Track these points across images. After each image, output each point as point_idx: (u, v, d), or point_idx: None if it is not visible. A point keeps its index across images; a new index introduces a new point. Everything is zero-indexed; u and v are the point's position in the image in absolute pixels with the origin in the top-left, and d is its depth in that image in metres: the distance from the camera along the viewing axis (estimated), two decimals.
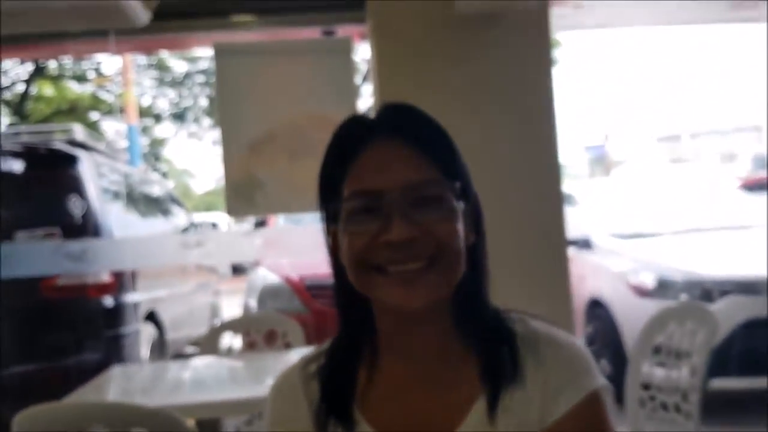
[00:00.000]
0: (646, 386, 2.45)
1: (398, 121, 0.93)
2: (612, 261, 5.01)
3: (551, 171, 3.12)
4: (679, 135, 17.70)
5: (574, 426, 0.90)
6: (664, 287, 4.43)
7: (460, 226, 0.91)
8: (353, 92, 3.49)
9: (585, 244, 5.31)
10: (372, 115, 0.96)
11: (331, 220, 0.95)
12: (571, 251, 5.04)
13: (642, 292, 4.53)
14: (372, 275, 0.90)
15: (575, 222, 4.06)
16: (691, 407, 2.27)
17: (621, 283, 4.73)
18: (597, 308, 4.94)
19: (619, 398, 2.53)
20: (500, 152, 3.03)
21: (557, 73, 3.21)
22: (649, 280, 4.55)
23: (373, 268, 0.89)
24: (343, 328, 0.99)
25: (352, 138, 0.93)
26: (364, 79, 10.64)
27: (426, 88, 2.95)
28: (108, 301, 4.83)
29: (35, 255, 3.52)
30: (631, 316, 4.38)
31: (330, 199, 0.93)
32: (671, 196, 5.60)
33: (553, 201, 3.14)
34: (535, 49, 3.08)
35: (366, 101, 10.62)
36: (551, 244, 3.11)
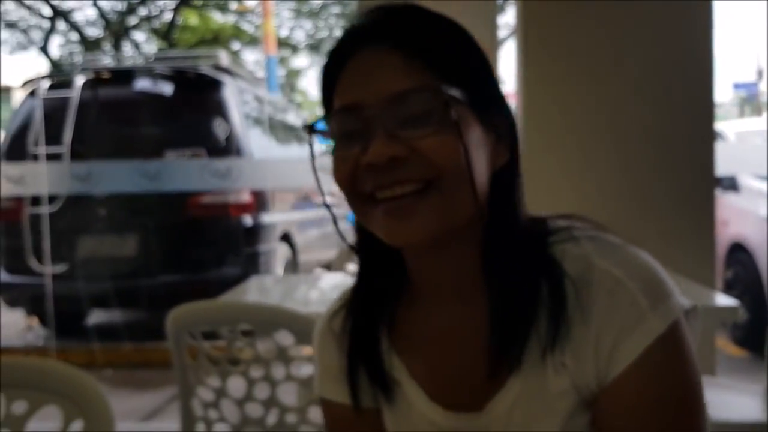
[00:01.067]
0: None
1: (387, 23, 0.77)
2: (759, 204, 4.72)
3: (704, 108, 2.96)
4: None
5: (640, 376, 0.73)
6: None
7: (467, 143, 0.73)
8: (494, 26, 3.41)
9: (731, 185, 5.02)
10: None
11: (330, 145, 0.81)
12: (717, 193, 4.81)
13: None
14: (364, 206, 0.76)
15: (723, 161, 3.84)
16: None
17: (767, 227, 4.47)
18: (739, 253, 4.70)
19: (759, 347, 2.42)
20: (653, 87, 2.90)
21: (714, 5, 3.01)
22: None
23: (362, 198, 0.75)
24: (367, 264, 0.85)
25: (342, 47, 0.78)
26: (501, 7, 10.36)
27: (575, 21, 2.84)
28: (247, 220, 5.08)
29: (184, 172, 3.73)
30: None
31: (325, 120, 0.79)
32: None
33: (704, 139, 2.99)
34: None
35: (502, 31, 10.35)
36: (699, 182, 2.98)
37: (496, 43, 3.38)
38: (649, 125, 2.88)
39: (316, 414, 1.68)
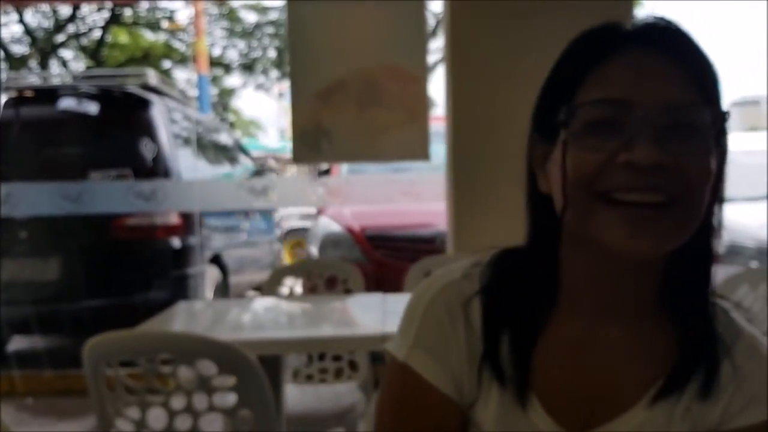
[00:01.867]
0: None
1: (659, 32, 0.75)
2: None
3: None
4: (757, 100, 17.00)
5: None
6: (734, 253, 4.31)
7: (713, 171, 0.73)
8: (425, 42, 3.45)
9: None
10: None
11: (546, 136, 0.78)
12: None
13: None
14: (596, 204, 0.72)
15: None
16: None
17: None
18: None
19: None
20: None
21: None
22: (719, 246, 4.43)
23: (599, 195, 0.72)
24: (526, 261, 0.83)
25: (600, 41, 0.76)
26: (433, 32, 10.50)
27: (500, 40, 2.89)
28: (175, 242, 4.97)
29: (107, 193, 3.63)
30: None
31: (553, 107, 0.76)
32: (745, 163, 5.40)
33: None
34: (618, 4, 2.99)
35: (433, 56, 10.51)
36: None
37: (426, 69, 3.42)
38: None
39: None
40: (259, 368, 1.57)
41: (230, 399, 1.62)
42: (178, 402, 1.62)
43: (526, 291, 0.82)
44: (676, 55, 0.74)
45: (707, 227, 0.78)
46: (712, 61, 0.76)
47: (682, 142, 0.71)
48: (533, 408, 0.80)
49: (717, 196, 0.77)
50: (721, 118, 0.74)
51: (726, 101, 0.78)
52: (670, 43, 0.74)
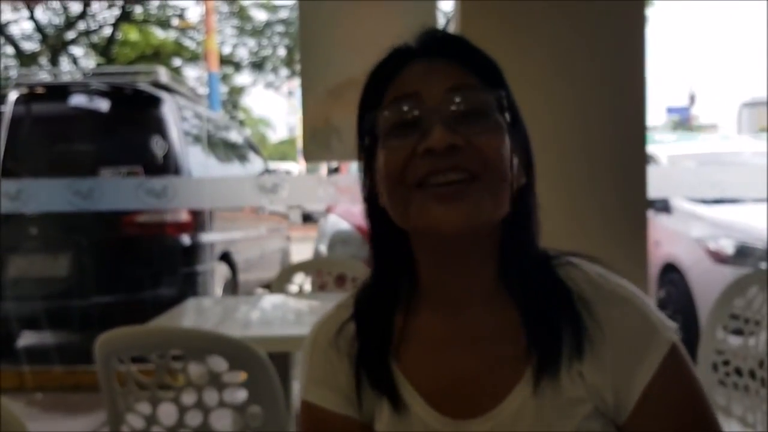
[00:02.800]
0: (720, 352, 2.39)
1: (438, 42, 0.85)
2: (690, 226, 4.87)
3: (636, 131, 3.04)
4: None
5: (662, 392, 0.81)
6: (743, 254, 4.30)
7: (507, 146, 0.80)
8: None
9: (664, 207, 5.17)
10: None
11: (366, 149, 0.85)
12: (649, 215, 4.95)
13: (720, 258, 4.41)
14: (410, 193, 0.79)
15: (655, 183, 3.96)
16: (766, 379, 2.20)
17: (698, 248, 4.61)
18: (671, 273, 4.83)
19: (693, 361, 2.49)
20: (586, 109, 2.96)
21: (648, 31, 3.10)
22: (728, 247, 4.41)
23: (412, 185, 0.79)
24: (378, 271, 0.89)
25: (392, 61, 0.85)
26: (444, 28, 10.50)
27: (510, 40, 2.89)
28: (185, 239, 4.99)
29: (118, 190, 3.65)
30: (707, 283, 4.27)
31: (367, 123, 0.84)
32: (754, 164, 5.39)
33: (636, 162, 3.06)
34: (628, 6, 2.98)
35: None
36: (631, 204, 3.05)
37: None
38: (582, 148, 2.93)
39: None
40: (270, 364, 1.58)
41: (240, 395, 1.63)
42: (188, 398, 1.63)
43: (385, 300, 0.88)
44: (455, 55, 0.83)
45: (525, 203, 0.84)
46: (488, 57, 0.86)
47: (472, 124, 0.79)
48: (417, 405, 0.84)
49: (529, 187, 0.85)
50: (503, 98, 0.82)
51: (512, 97, 0.86)
52: (448, 48, 0.84)
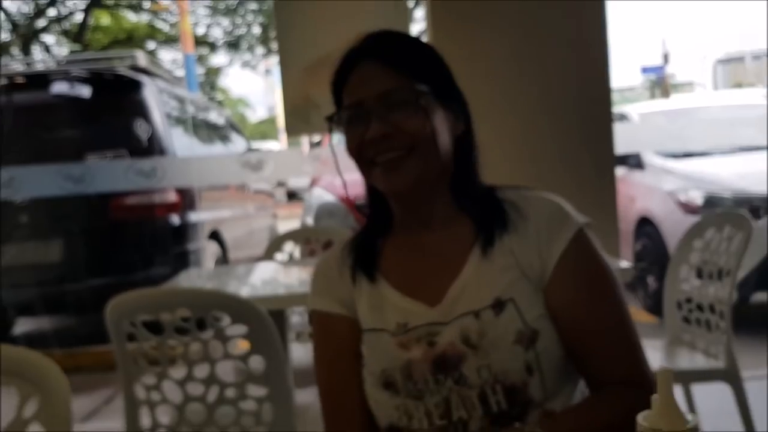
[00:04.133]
0: (688, 300, 2.55)
1: (374, 45, 1.14)
2: (662, 180, 5.06)
3: (601, 91, 3.19)
4: (742, 56, 17.06)
5: (572, 263, 1.10)
6: (712, 204, 4.49)
7: (433, 121, 1.10)
8: (407, 15, 3.57)
9: (637, 164, 5.35)
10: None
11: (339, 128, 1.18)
12: (623, 171, 5.15)
13: (690, 209, 4.60)
14: (368, 167, 1.13)
15: (625, 140, 4.12)
16: (725, 312, 2.36)
17: (671, 200, 4.80)
18: (646, 226, 5.03)
19: (661, 311, 2.67)
20: (552, 72, 3.11)
21: None
22: (697, 198, 4.60)
23: (368, 162, 1.12)
24: (370, 213, 1.23)
25: (346, 62, 1.14)
26: (416, 2, 10.56)
27: (478, 12, 3.01)
28: (174, 219, 5.11)
29: (109, 172, 3.76)
30: (679, 233, 4.43)
31: (337, 112, 1.16)
32: (725, 118, 5.57)
33: (603, 119, 3.22)
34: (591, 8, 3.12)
35: (418, 25, 10.57)
36: (599, 162, 3.21)
37: None
38: (550, 110, 3.09)
39: (253, 389, 1.81)
40: (268, 317, 1.73)
41: (243, 347, 1.78)
42: (195, 354, 1.77)
43: (373, 224, 1.22)
44: (387, 58, 1.12)
45: (467, 144, 1.17)
46: (418, 51, 1.16)
47: (400, 113, 1.09)
48: (395, 296, 1.14)
49: (468, 132, 1.17)
50: (425, 90, 1.10)
51: (439, 76, 1.15)
52: (381, 50, 1.13)
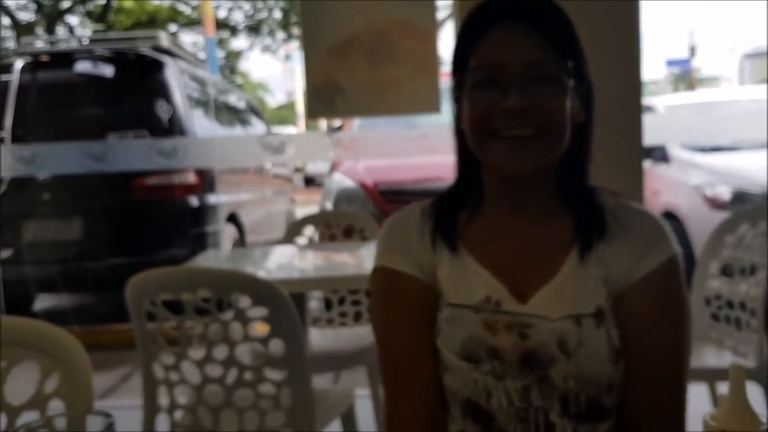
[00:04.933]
0: (717, 297, 2.50)
1: (522, 5, 1.03)
2: (688, 174, 4.97)
3: (632, 82, 3.13)
4: None
5: (654, 285, 1.02)
6: (740, 200, 4.41)
7: (569, 103, 1.01)
8: None
9: (662, 157, 5.27)
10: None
11: (457, 89, 1.06)
12: (648, 164, 5.07)
13: (717, 204, 4.52)
14: (487, 138, 1.02)
15: (653, 132, 4.05)
16: (757, 310, 2.30)
17: (696, 195, 4.72)
18: (670, 221, 4.94)
19: None
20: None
21: None
22: (725, 193, 4.52)
23: (489, 132, 1.01)
24: (456, 181, 1.13)
25: (481, 19, 1.03)
26: None
27: None
28: (193, 200, 5.10)
29: (131, 151, 3.74)
30: (704, 229, 4.34)
31: (458, 71, 1.05)
32: (754, 113, 5.46)
33: (633, 111, 3.15)
34: None
35: (442, 12, 10.49)
36: (628, 155, 3.15)
37: (435, 24, 3.50)
38: None
39: (271, 372, 1.78)
40: (289, 300, 1.70)
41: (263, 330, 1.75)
42: (215, 335, 1.75)
43: (457, 194, 1.12)
44: (536, 23, 1.01)
45: (582, 137, 1.07)
46: (567, 22, 1.04)
47: (542, 88, 1.00)
48: (475, 267, 1.06)
49: (587, 123, 1.07)
50: (570, 66, 1.01)
51: (580, 53, 1.05)
52: (529, 13, 1.02)
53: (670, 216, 4.97)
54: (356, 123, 5.38)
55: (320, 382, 1.99)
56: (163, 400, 1.85)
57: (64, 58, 5.47)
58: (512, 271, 1.05)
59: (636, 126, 3.16)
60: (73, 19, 14.57)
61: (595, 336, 1.01)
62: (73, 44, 6.86)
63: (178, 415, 1.85)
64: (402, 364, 1.07)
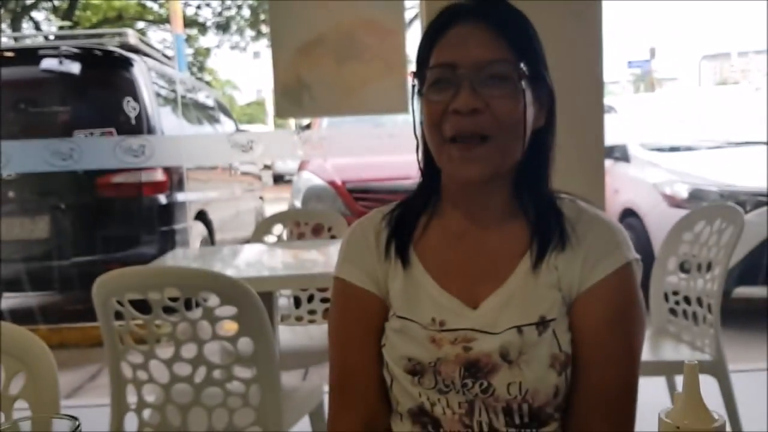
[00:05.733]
0: (675, 292, 2.56)
1: (483, 6, 1.03)
2: (648, 172, 5.08)
3: (594, 83, 3.20)
4: (728, 53, 17.12)
5: (607, 292, 1.03)
6: (697, 198, 4.51)
7: (522, 107, 1.00)
8: None
9: (623, 156, 5.37)
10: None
11: (419, 89, 1.05)
12: (608, 163, 5.16)
13: (675, 202, 4.63)
14: (443, 145, 1.02)
15: (613, 132, 4.13)
16: (713, 306, 2.37)
17: (655, 193, 4.82)
18: (630, 218, 5.05)
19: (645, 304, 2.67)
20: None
21: None
22: (683, 191, 4.63)
23: (443, 138, 1.02)
24: (419, 184, 1.14)
25: (444, 18, 1.03)
26: None
27: None
28: (161, 198, 5.08)
29: (98, 149, 3.73)
30: (663, 226, 4.44)
31: (419, 70, 1.05)
32: (712, 114, 5.59)
33: (594, 111, 3.22)
34: None
35: (409, 11, 10.51)
36: (590, 151, 3.21)
37: (403, 24, 3.53)
38: None
39: (240, 371, 1.81)
40: (258, 299, 1.72)
41: (231, 327, 1.77)
42: (183, 335, 1.77)
43: (419, 196, 1.13)
44: (494, 23, 1.01)
45: (542, 143, 1.07)
46: (525, 25, 1.04)
47: (494, 89, 0.99)
48: (429, 284, 1.07)
49: (548, 128, 1.07)
50: (524, 68, 1.00)
51: (539, 57, 1.05)
52: (488, 13, 1.02)
53: (631, 213, 5.07)
54: (324, 121, 5.40)
55: (289, 379, 2.02)
56: (131, 398, 1.87)
57: (29, 55, 5.41)
58: (462, 279, 1.07)
59: (598, 126, 3.23)
60: (38, 15, 14.35)
61: (537, 344, 1.02)
62: (39, 40, 6.79)
63: (147, 413, 1.86)
64: (347, 371, 1.12)
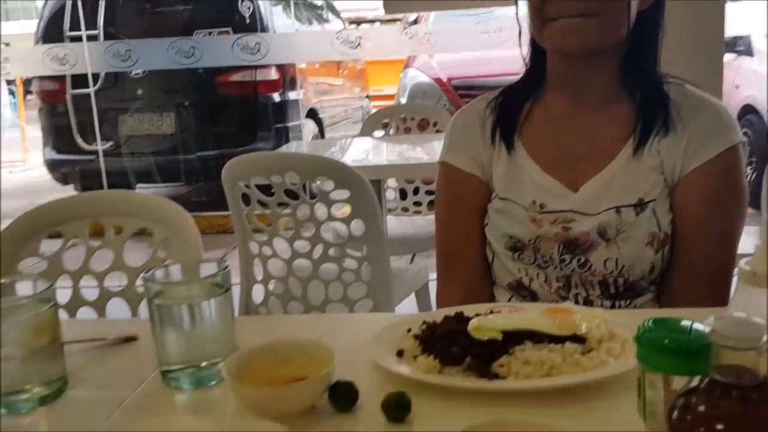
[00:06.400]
0: None
1: None
2: None
3: None
4: None
5: (711, 174, 1.06)
6: None
7: None
8: None
9: (746, 49, 5.10)
10: None
11: None
12: (729, 57, 4.89)
13: None
14: (544, 23, 1.07)
15: (736, 21, 3.93)
16: None
17: None
18: (750, 115, 4.86)
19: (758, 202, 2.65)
20: None
21: None
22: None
23: (545, 19, 1.06)
24: (525, 72, 1.18)
25: None
26: None
27: None
28: (275, 96, 5.30)
29: (217, 47, 3.91)
30: None
31: None
32: None
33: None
34: None
35: None
36: (707, 45, 3.10)
37: None
38: None
39: (352, 250, 1.97)
40: (369, 184, 1.86)
41: (346, 209, 1.92)
42: (302, 214, 1.93)
43: (524, 84, 1.18)
44: None
45: (650, 21, 1.09)
46: None
47: None
48: (531, 167, 1.13)
49: (657, 9, 1.09)
50: None
51: None
52: None
53: (751, 110, 4.87)
54: (431, 16, 5.39)
55: (397, 263, 2.15)
56: (258, 273, 2.07)
57: None
58: (564, 163, 1.12)
59: (718, 13, 3.08)
60: None
61: (635, 223, 1.08)
62: None
63: (272, 285, 2.06)
64: (452, 249, 1.21)
